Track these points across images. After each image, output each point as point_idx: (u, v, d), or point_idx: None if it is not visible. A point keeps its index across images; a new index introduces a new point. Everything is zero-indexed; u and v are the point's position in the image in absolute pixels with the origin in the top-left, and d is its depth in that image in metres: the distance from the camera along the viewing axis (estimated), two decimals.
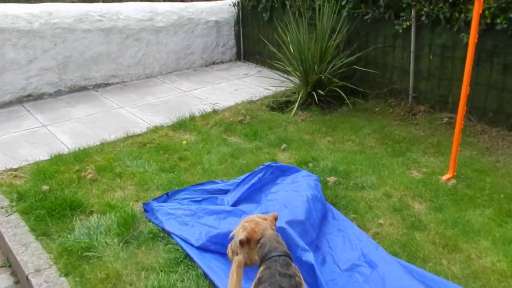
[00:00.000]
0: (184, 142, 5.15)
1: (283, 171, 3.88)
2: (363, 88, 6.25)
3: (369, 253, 2.89)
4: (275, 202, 3.25)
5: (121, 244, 3.25)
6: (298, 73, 6.29)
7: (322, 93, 5.91)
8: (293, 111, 5.88)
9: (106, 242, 3.26)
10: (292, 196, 3.25)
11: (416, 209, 3.60)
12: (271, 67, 7.88)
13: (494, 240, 3.16)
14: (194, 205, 3.60)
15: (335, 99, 6.02)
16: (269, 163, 3.91)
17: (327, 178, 4.09)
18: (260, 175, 3.80)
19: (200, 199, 3.71)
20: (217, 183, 3.99)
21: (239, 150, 4.88)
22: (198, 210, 3.46)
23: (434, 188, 3.89)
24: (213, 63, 8.47)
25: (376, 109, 5.98)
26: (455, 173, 4.09)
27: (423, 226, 3.36)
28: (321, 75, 5.99)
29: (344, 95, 5.94)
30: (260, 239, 2.24)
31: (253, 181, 3.76)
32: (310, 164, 4.42)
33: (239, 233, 2.30)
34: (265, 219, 2.37)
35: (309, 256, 2.61)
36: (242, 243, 2.26)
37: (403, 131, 5.23)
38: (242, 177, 4.03)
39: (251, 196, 3.71)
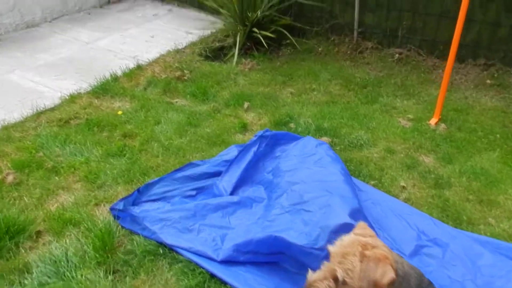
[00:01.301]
0: (119, 112, 4.09)
1: (278, 139, 3.23)
2: (302, 25, 5.64)
3: (426, 228, 2.51)
4: (304, 185, 2.60)
5: (109, 276, 2.36)
6: (230, 11, 5.38)
7: (268, 34, 5.16)
8: (235, 59, 5.07)
9: (87, 278, 2.33)
10: (324, 175, 2.64)
11: (428, 163, 3.32)
12: (184, 4, 6.77)
13: None
14: (189, 201, 2.79)
15: (272, 41, 5.31)
16: (261, 132, 3.20)
17: (321, 138, 3.56)
18: (254, 148, 3.10)
19: (194, 193, 2.90)
20: (198, 164, 3.18)
21: (194, 115, 4.03)
22: (197, 209, 2.68)
23: (430, 136, 3.64)
24: (108, 1, 6.97)
25: (320, 48, 5.48)
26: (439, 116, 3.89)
27: (447, 183, 3.10)
28: (265, 12, 5.21)
29: (289, 35, 5.29)
30: (396, 270, 1.57)
31: (248, 157, 3.05)
32: (291, 125, 3.82)
33: (371, 272, 1.49)
34: (371, 236, 1.68)
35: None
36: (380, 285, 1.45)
37: (360, 73, 4.86)
38: (227, 151, 3.28)
39: (250, 176, 3.04)
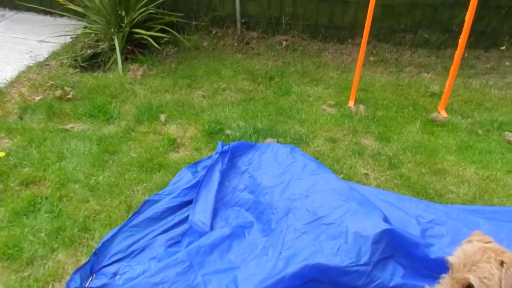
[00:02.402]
0: (1, 154, 3.15)
1: (234, 152, 2.89)
2: (180, 20, 5.21)
3: (420, 212, 2.54)
4: (309, 198, 2.33)
5: None
6: (101, 13, 4.62)
7: (156, 34, 4.60)
8: (119, 67, 4.40)
9: None
10: (323, 183, 2.41)
11: (372, 146, 3.41)
12: (20, 8, 5.62)
13: (450, 151, 3.34)
14: (177, 249, 2.28)
15: (155, 41, 4.76)
16: (220, 147, 2.81)
17: (266, 140, 3.33)
18: (219, 167, 2.71)
19: (179, 239, 2.38)
20: (156, 200, 2.64)
21: (105, 140, 3.37)
22: (191, 257, 2.21)
23: (359, 119, 3.76)
24: None
25: (205, 44, 5.16)
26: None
27: (398, 161, 3.23)
28: (145, 11, 4.61)
29: (176, 33, 4.82)
30: None
31: (216, 179, 2.66)
32: (228, 131, 3.48)
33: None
34: (490, 241, 1.56)
35: (436, 250, 2.06)
36: None
37: (258, 64, 4.74)
38: (180, 177, 2.83)
39: (222, 199, 2.65)
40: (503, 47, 5.06)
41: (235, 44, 5.21)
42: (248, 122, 3.62)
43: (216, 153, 2.77)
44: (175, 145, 3.34)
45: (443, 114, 3.85)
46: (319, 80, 4.47)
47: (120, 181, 2.92)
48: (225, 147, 2.83)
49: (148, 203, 2.61)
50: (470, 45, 5.07)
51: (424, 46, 5.12)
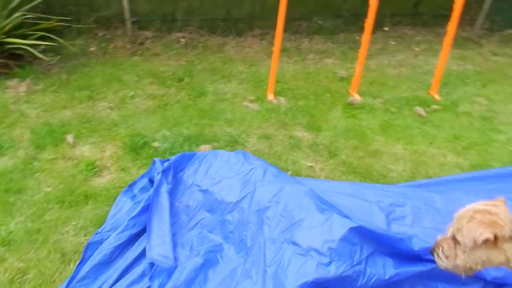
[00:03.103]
0: None
1: (176, 167, 2.56)
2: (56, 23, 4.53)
3: (378, 197, 2.54)
4: (279, 206, 2.13)
5: None
6: None
7: (35, 42, 3.90)
8: None
9: None
10: (288, 188, 2.24)
11: (305, 137, 3.36)
12: None
13: (375, 132, 3.45)
14: None
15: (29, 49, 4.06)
16: (161, 165, 2.45)
17: (201, 148, 3.05)
18: (165, 189, 2.37)
19: (140, 281, 1.99)
20: (100, 241, 2.19)
21: (2, 177, 2.75)
22: None
23: (284, 112, 3.68)
24: None
25: (92, 48, 4.60)
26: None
27: (336, 149, 3.22)
28: (21, 14, 3.89)
29: (60, 39, 4.17)
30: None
31: (165, 203, 2.31)
32: (155, 144, 3.10)
33: (472, 231, 1.57)
34: (494, 205, 1.65)
35: (418, 241, 2.04)
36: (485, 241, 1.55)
37: (161, 66, 4.38)
38: (118, 206, 2.44)
39: (180, 222, 2.34)
40: (387, 28, 5.47)
41: (128, 46, 4.73)
42: (173, 130, 3.28)
43: (158, 173, 2.41)
44: (96, 168, 2.86)
45: (357, 97, 3.98)
46: (230, 76, 4.29)
47: (41, 225, 2.38)
48: (166, 164, 2.48)
49: (91, 247, 2.15)
50: (359, 29, 5.38)
51: (319, 33, 5.27)
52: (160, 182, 2.36)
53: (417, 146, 3.34)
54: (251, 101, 3.82)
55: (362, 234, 2.00)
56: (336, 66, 4.65)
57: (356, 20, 5.32)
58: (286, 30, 5.22)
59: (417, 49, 5.20)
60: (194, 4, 4.85)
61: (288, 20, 5.17)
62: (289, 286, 1.86)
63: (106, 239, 2.20)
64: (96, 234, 2.25)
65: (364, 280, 1.93)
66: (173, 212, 2.36)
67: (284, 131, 3.42)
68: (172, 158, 2.54)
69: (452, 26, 3.87)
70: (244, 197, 2.31)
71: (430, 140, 3.42)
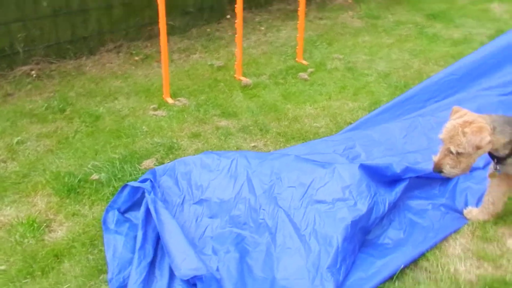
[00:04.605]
0: None
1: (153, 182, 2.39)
2: None
3: (332, 147, 2.83)
4: (284, 178, 2.19)
5: None
6: None
7: None
8: None
9: None
10: (279, 158, 2.30)
11: (230, 124, 3.43)
12: None
13: (282, 102, 3.71)
14: None
15: None
16: (151, 187, 2.24)
17: (144, 164, 2.85)
18: (160, 205, 2.20)
19: None
20: (120, 286, 1.92)
21: None
22: None
23: (193, 109, 3.65)
24: None
25: None
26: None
27: (264, 125, 3.39)
28: None
29: None
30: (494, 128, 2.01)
31: (165, 218, 2.15)
32: (94, 176, 2.75)
33: (472, 141, 1.95)
34: (465, 114, 2.05)
35: (395, 166, 2.38)
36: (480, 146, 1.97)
37: (26, 103, 3.77)
38: (112, 244, 2.18)
39: (188, 234, 2.21)
40: (229, 16, 5.81)
41: None
42: (99, 158, 2.95)
43: (149, 192, 2.19)
44: (40, 225, 2.40)
45: (245, 79, 4.20)
46: (112, 93, 4.00)
47: None
48: (146, 184, 2.28)
49: None
50: (206, 22, 5.59)
51: (174, 33, 5.27)
52: (154, 201, 2.17)
53: (321, 102, 3.76)
54: (155, 109, 3.67)
55: (363, 171, 2.26)
56: (206, 59, 4.77)
57: (201, 14, 5.51)
58: (139, 37, 5.11)
59: (262, 28, 5.69)
60: (33, 31, 4.28)
61: (138, 27, 5.07)
62: (334, 234, 2.00)
63: (127, 278, 1.94)
64: (111, 281, 1.96)
65: (383, 207, 2.20)
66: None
67: (206, 125, 3.42)
68: (150, 173, 2.36)
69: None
70: (241, 188, 2.32)
71: (327, 96, 3.89)
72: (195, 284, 1.93)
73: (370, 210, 2.13)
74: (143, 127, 3.38)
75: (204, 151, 3.03)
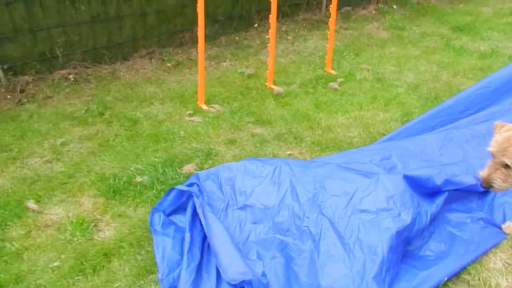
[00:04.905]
0: None
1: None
2: None
3: (368, 157, 2.88)
4: (328, 187, 2.27)
5: None
6: None
7: None
8: None
9: None
10: (322, 166, 2.37)
11: (264, 132, 3.50)
12: None
13: (314, 111, 3.78)
14: None
15: None
16: (198, 190, 2.33)
17: (185, 169, 2.92)
18: (208, 210, 2.27)
19: None
20: (171, 287, 1.99)
21: None
22: None
23: (228, 116, 3.74)
24: None
25: None
26: None
27: (299, 134, 3.46)
28: None
29: None
30: None
31: (215, 222, 2.23)
32: (138, 179, 2.83)
33: None
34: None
35: (435, 178, 2.42)
36: None
37: (68, 106, 3.90)
38: (161, 246, 2.24)
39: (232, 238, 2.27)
40: (256, 25, 5.90)
41: (8, 96, 4.06)
42: (141, 162, 3.05)
43: (198, 196, 2.28)
44: (88, 225, 2.49)
45: (276, 87, 4.27)
46: (148, 99, 4.10)
47: None
48: (194, 188, 2.36)
49: None
50: (234, 30, 5.69)
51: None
52: (202, 205, 2.25)
53: (352, 112, 3.82)
54: (191, 115, 3.76)
55: (406, 181, 2.30)
56: (236, 67, 4.85)
57: (230, 22, 5.61)
58: (170, 44, 5.22)
59: (289, 37, 5.77)
60: (72, 37, 4.42)
61: (170, 34, 5.19)
62: (379, 244, 2.04)
63: (177, 279, 2.01)
64: (162, 281, 2.03)
65: (426, 218, 2.24)
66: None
67: (242, 132, 3.50)
68: (196, 178, 2.44)
69: (333, 8, 4.46)
70: (284, 195, 2.38)
71: (358, 106, 3.95)
72: (242, 287, 1.99)
73: (413, 221, 2.17)
74: (181, 132, 3.46)
75: (241, 157, 3.11)
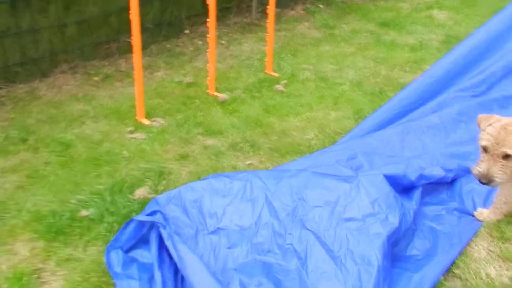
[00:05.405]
0: None
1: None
2: None
3: (334, 157, 2.75)
4: (308, 198, 2.06)
5: None
6: None
7: None
8: None
9: None
10: (296, 175, 2.16)
11: (217, 143, 3.24)
12: None
13: (264, 116, 3.57)
14: None
15: None
16: (163, 221, 2.01)
17: (137, 194, 2.57)
18: (177, 240, 1.97)
19: None
20: None
21: None
22: None
23: (174, 129, 3.42)
24: None
25: None
26: None
27: (254, 142, 3.24)
28: None
29: None
30: None
31: (188, 254, 1.93)
32: (83, 212, 2.43)
33: None
34: (498, 117, 2.01)
35: (408, 173, 2.35)
36: None
37: None
38: None
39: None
40: (187, 31, 5.60)
41: None
42: (83, 192, 2.64)
43: (164, 227, 1.96)
44: (30, 277, 2.06)
45: (221, 95, 4.02)
46: (76, 118, 3.64)
47: None
48: (156, 216, 2.04)
49: None
50: (164, 38, 5.34)
51: (130, 50, 4.97)
52: (171, 236, 1.94)
53: (304, 114, 3.68)
54: (132, 132, 3.38)
55: (387, 182, 2.18)
56: (172, 76, 4.53)
57: (160, 29, 5.26)
58: (94, 57, 4.76)
59: (223, 42, 5.54)
60: None
61: (94, 45, 4.72)
62: (372, 253, 1.90)
63: None
64: None
65: (410, 217, 2.14)
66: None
67: (193, 146, 3.21)
68: (147, 209, 2.11)
69: (271, 9, 4.31)
70: (260, 212, 2.16)
71: (308, 107, 3.82)
72: None
73: (400, 222, 2.05)
74: (124, 152, 3.09)
75: (198, 173, 2.83)
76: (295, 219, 2.08)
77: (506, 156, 1.96)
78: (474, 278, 2.05)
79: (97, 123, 3.56)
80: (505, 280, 2.04)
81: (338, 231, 2.02)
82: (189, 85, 4.29)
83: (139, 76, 3.46)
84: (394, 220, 2.02)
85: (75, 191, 2.64)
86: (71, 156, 3.05)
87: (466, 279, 2.05)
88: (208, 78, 4.07)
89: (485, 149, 2.02)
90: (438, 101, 3.44)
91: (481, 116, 2.18)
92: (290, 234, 2.06)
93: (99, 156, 3.03)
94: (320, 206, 2.09)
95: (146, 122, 3.52)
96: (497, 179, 1.96)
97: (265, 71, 4.60)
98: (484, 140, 2.01)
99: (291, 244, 2.04)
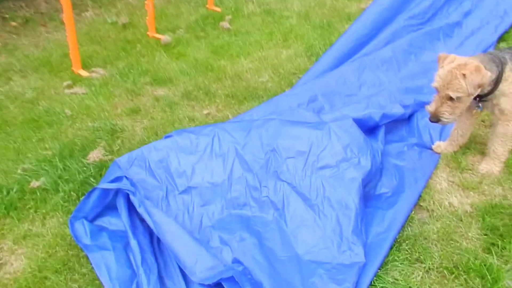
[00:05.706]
0: None
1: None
2: None
3: (296, 102, 2.68)
4: (279, 148, 1.99)
5: None
6: None
7: None
8: None
9: None
10: (264, 125, 2.08)
11: (169, 92, 3.02)
12: None
13: (211, 60, 3.38)
14: None
15: None
16: (131, 186, 1.86)
17: (91, 156, 2.37)
18: (150, 205, 1.85)
19: None
20: None
21: None
22: None
23: (117, 80, 3.13)
24: None
25: None
26: None
27: (208, 88, 3.06)
28: None
29: None
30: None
31: (163, 217, 1.83)
32: (34, 183, 2.20)
33: (473, 80, 1.95)
34: (455, 57, 2.03)
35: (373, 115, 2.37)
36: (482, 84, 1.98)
37: None
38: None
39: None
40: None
41: None
42: (29, 159, 2.37)
43: (134, 193, 1.82)
44: None
45: (163, 37, 3.72)
46: (2, 73, 3.24)
47: None
48: (122, 182, 1.88)
49: None
50: None
51: None
52: (141, 202, 1.82)
53: (255, 54, 3.52)
54: (70, 87, 3.06)
55: (356, 125, 2.17)
56: (103, 16, 4.12)
57: None
58: None
59: None
60: None
61: None
62: (349, 197, 1.92)
63: None
64: None
65: (378, 157, 2.17)
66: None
67: (143, 98, 2.98)
68: (108, 174, 1.95)
69: None
70: (232, 167, 2.07)
71: (258, 46, 3.65)
72: (218, 284, 1.69)
73: (372, 165, 2.07)
74: (65, 110, 2.79)
75: (154, 129, 2.65)
76: (269, 172, 2.03)
77: (450, 98, 2.04)
78: (440, 208, 2.16)
79: (26, 78, 3.17)
80: (467, 207, 2.17)
81: (313, 179, 2.00)
82: (125, 26, 3.92)
83: (69, 18, 3.06)
84: (366, 163, 2.03)
85: (18, 159, 2.37)
86: (4, 119, 2.71)
87: (432, 210, 2.15)
88: (147, 18, 3.72)
89: (436, 90, 2.08)
90: (390, 30, 3.42)
91: (440, 55, 2.18)
92: (266, 186, 2.01)
93: (37, 117, 2.72)
94: (293, 157, 2.04)
95: (84, 73, 3.19)
96: (443, 119, 2.06)
97: (207, 6, 4.30)
98: (435, 81, 2.07)
99: (267, 196, 2.00)
